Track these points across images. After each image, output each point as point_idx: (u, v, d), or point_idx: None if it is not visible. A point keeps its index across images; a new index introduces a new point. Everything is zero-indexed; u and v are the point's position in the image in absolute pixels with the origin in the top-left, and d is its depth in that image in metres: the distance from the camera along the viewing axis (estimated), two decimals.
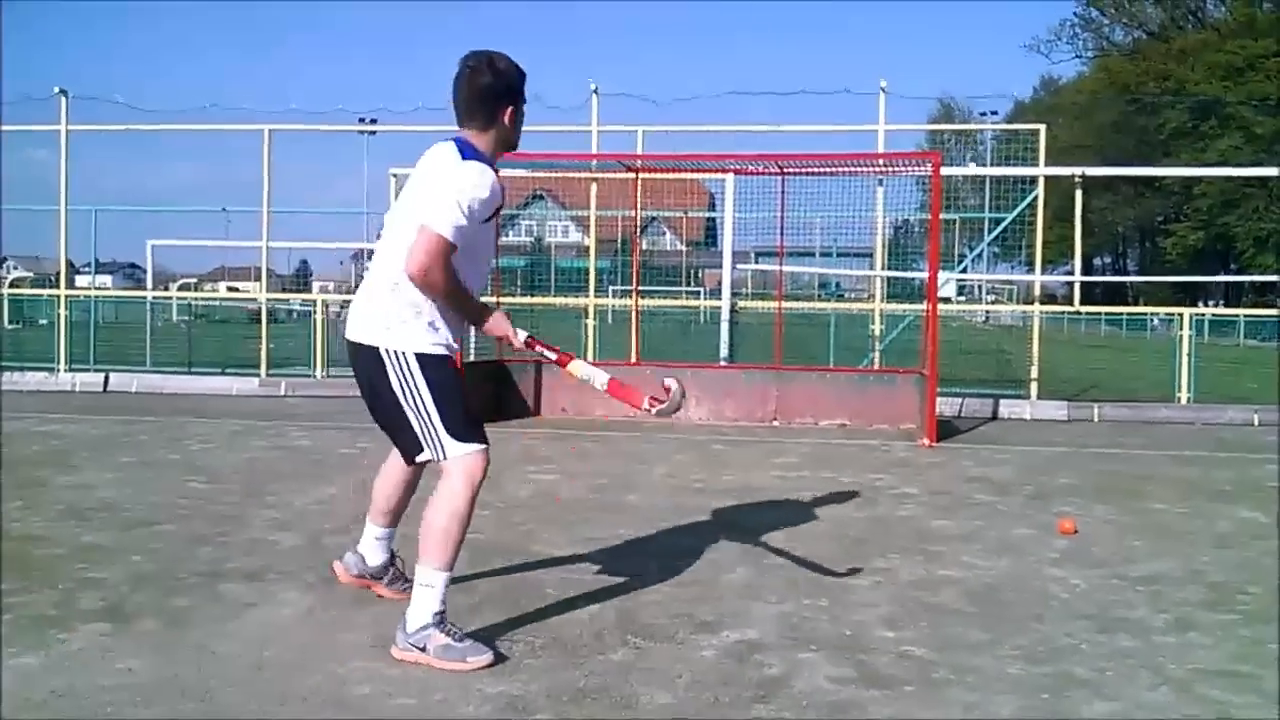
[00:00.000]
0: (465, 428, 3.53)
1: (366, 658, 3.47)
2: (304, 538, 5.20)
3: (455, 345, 3.59)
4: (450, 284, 3.43)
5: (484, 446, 3.57)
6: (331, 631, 3.75)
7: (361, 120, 23.79)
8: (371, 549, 4.04)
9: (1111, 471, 7.89)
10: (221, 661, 3.42)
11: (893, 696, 3.23)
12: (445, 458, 3.51)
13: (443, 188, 3.40)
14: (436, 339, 3.51)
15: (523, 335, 3.68)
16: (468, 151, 3.51)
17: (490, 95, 3.57)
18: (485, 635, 3.69)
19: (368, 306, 3.56)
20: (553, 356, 3.69)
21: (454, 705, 3.10)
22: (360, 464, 7.62)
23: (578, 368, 3.72)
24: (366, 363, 3.55)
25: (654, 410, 3.67)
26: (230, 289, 37.06)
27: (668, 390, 3.71)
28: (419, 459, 3.64)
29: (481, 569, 4.64)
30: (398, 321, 3.48)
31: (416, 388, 3.48)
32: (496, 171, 3.53)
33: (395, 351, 3.48)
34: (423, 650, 3.39)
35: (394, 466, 3.91)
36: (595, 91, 12.98)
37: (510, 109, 3.62)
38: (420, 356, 3.47)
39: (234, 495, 6.26)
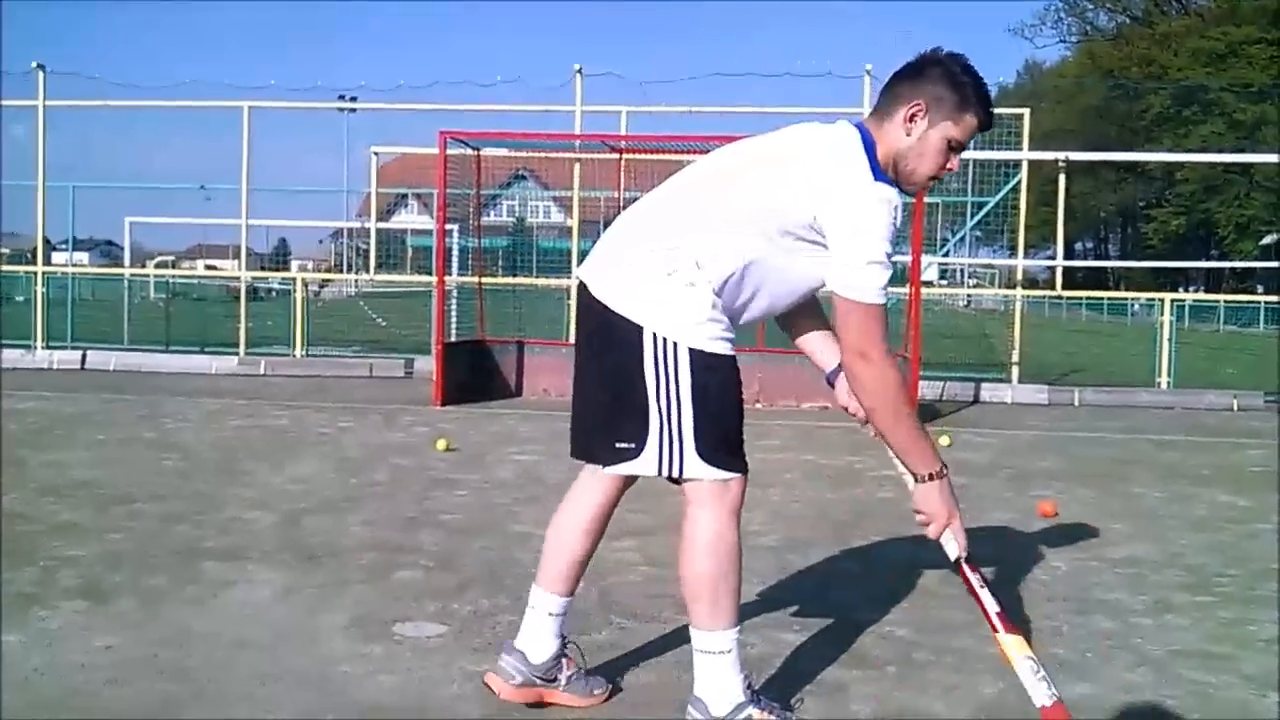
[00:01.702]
0: (719, 449, 2.65)
1: (347, 637, 3.46)
2: (281, 517, 5.18)
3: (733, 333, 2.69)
4: (900, 385, 2.61)
5: (739, 475, 2.69)
6: (311, 611, 3.73)
7: (341, 98, 23.63)
8: (537, 637, 2.91)
9: (1091, 455, 7.93)
10: (200, 640, 3.40)
11: (875, 676, 3.24)
12: (680, 475, 2.66)
13: (856, 232, 2.51)
14: (717, 330, 2.63)
15: (961, 544, 2.68)
16: (874, 162, 2.60)
17: (900, 76, 2.70)
18: (468, 614, 3.69)
19: (630, 269, 2.65)
20: (991, 608, 2.59)
21: (437, 684, 3.09)
22: (339, 443, 7.59)
23: (1018, 652, 2.53)
24: (612, 332, 2.64)
25: None
26: (208, 267, 36.76)
27: None
28: (623, 468, 2.72)
29: (464, 549, 4.64)
30: (671, 298, 2.60)
31: (678, 392, 2.60)
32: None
33: (663, 339, 2.59)
34: None
35: (583, 496, 2.94)
36: (579, 71, 12.91)
37: (919, 109, 2.63)
38: (696, 355, 2.59)
39: (211, 474, 6.23)
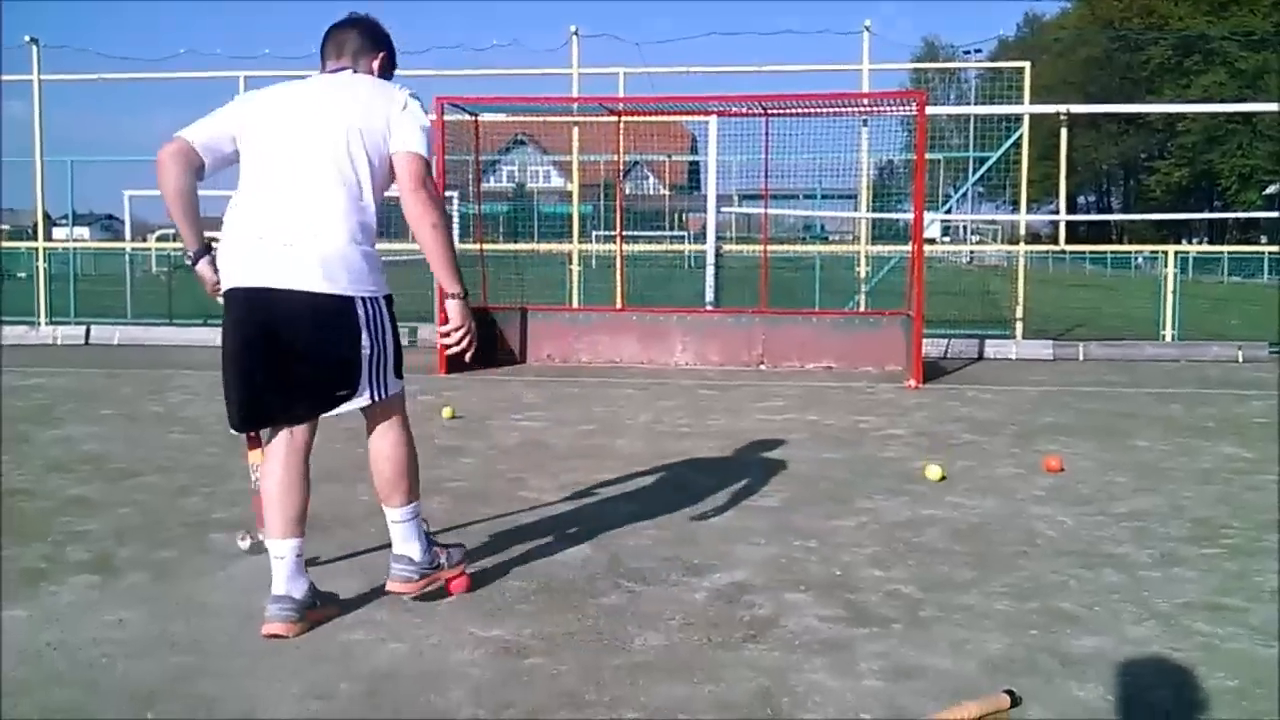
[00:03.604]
0: (402, 364, 3.45)
1: (357, 604, 3.47)
2: None
3: None
4: (444, 214, 3.32)
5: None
6: (320, 580, 3.74)
7: None
8: (297, 577, 3.28)
9: (1096, 410, 7.93)
10: (211, 613, 3.42)
11: (882, 634, 3.26)
12: (388, 394, 3.37)
13: (411, 114, 3.30)
14: (384, 277, 3.36)
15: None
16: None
17: (357, 30, 3.53)
18: (477, 580, 3.71)
19: (318, 253, 3.17)
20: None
21: (447, 650, 3.11)
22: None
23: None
24: (313, 313, 3.18)
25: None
26: (210, 239, 36.62)
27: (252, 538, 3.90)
28: (343, 408, 3.34)
29: (472, 516, 4.65)
30: (366, 266, 3.25)
31: (385, 335, 3.30)
32: None
33: (371, 299, 3.26)
34: (439, 568, 3.52)
35: (287, 452, 3.33)
36: (575, 34, 12.81)
37: (383, 61, 3.55)
38: (388, 299, 3.34)
39: (217, 446, 6.24)
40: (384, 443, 3.45)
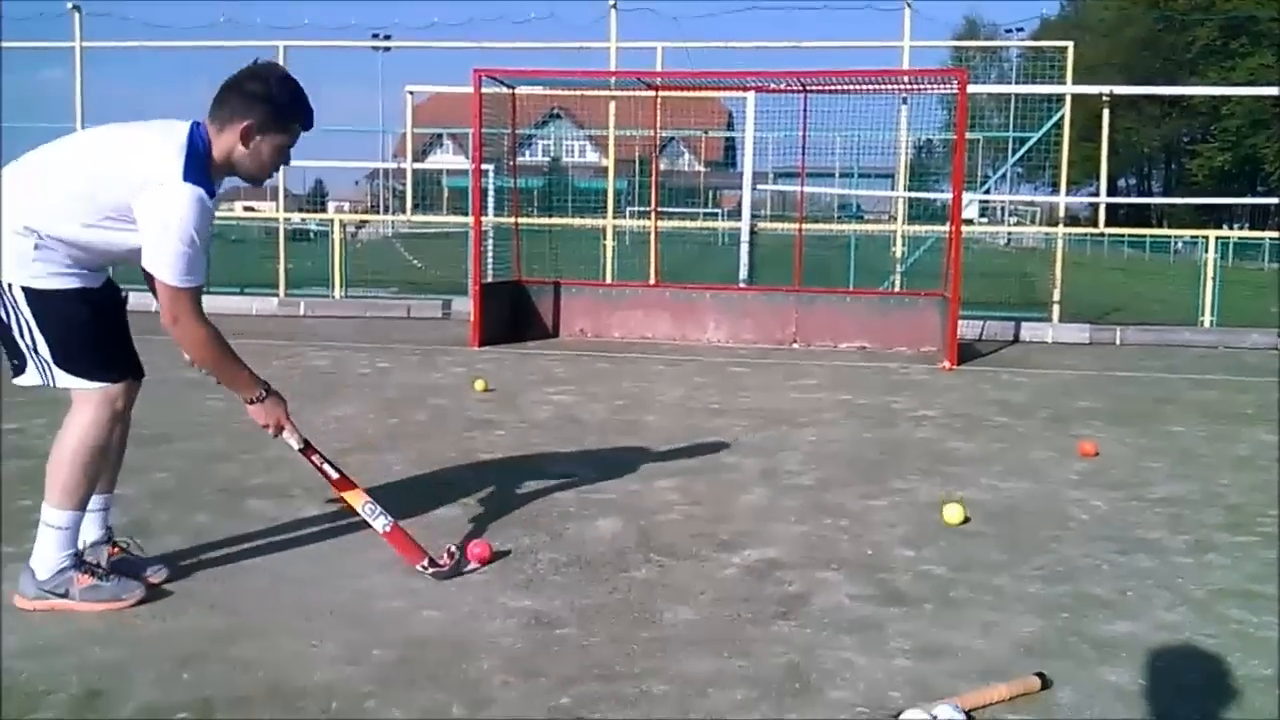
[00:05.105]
0: (77, 362, 3.12)
1: (392, 572, 3.51)
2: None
3: (89, 272, 3.17)
4: (213, 340, 3.23)
5: (106, 384, 3.17)
6: (355, 546, 3.79)
7: (375, 36, 23.56)
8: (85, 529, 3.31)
9: (1132, 395, 7.86)
10: (246, 576, 3.47)
11: (912, 614, 3.26)
12: (55, 384, 3.12)
13: (165, 226, 2.96)
14: (54, 269, 3.06)
15: (298, 437, 3.44)
16: (191, 163, 3.00)
17: (232, 89, 3.13)
18: (508, 553, 3.73)
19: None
20: (334, 475, 3.48)
21: (480, 620, 3.13)
22: (378, 384, 7.65)
23: (356, 501, 3.50)
24: None
25: (429, 572, 3.43)
26: (247, 209, 36.88)
27: (450, 556, 3.49)
28: (19, 380, 3.15)
29: (504, 488, 4.68)
30: (8, 250, 3.01)
31: (26, 324, 3.06)
32: (212, 194, 3.07)
33: (6, 284, 3.03)
34: (64, 596, 3.11)
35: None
36: (614, 6, 12.76)
37: (250, 128, 3.11)
38: (29, 292, 3.04)
39: None
40: (60, 434, 3.18)
